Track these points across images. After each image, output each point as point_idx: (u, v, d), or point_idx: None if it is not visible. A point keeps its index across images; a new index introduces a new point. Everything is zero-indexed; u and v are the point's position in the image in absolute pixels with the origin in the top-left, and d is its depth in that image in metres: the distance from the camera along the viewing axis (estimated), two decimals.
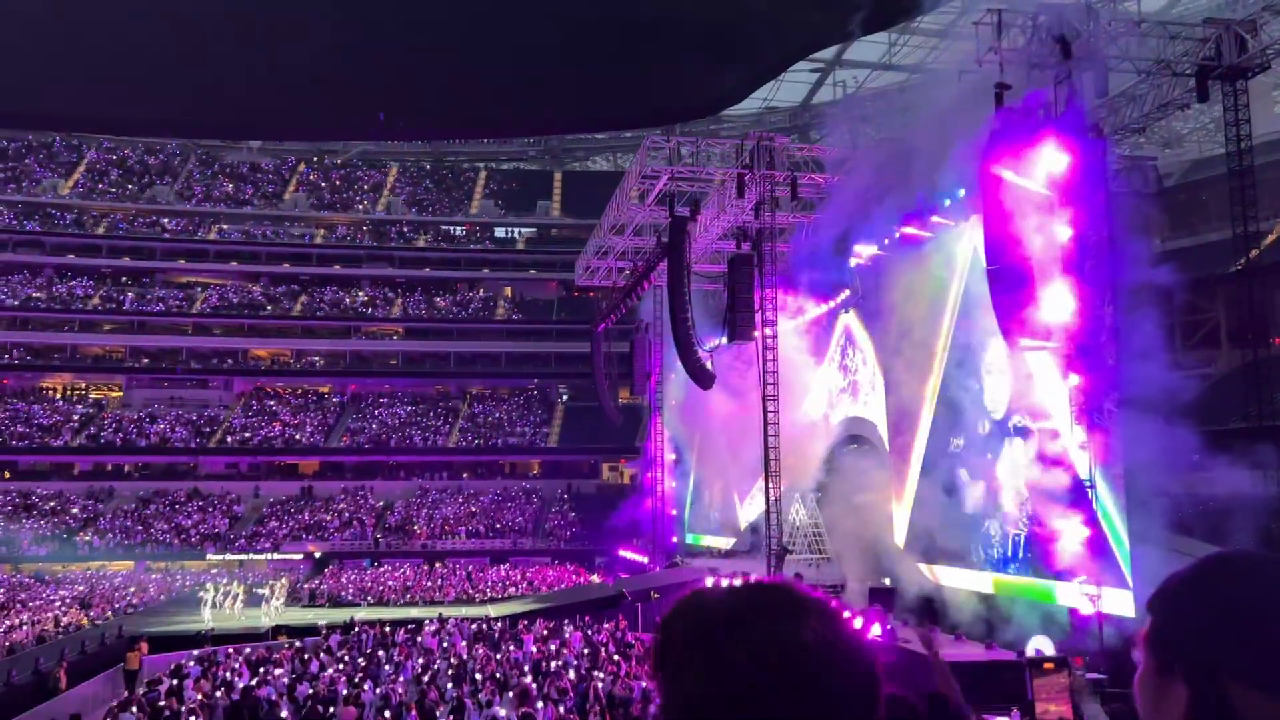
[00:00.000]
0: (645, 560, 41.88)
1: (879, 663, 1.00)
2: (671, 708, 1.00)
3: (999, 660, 16.71)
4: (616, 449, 58.96)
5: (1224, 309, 32.84)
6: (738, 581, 1.12)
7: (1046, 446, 19.87)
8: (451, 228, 71.13)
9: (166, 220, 67.47)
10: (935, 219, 24.08)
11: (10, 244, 63.86)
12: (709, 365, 30.58)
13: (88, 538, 52.20)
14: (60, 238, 64.81)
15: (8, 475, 56.72)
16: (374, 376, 66.01)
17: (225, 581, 39.66)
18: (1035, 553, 20.37)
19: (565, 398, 65.56)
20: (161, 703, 16.04)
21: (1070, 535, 18.27)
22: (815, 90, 59.71)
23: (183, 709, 15.30)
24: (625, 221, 36.16)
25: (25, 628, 30.09)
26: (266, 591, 36.11)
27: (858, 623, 15.99)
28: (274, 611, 34.15)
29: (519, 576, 44.68)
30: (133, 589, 41.66)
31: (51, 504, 54.69)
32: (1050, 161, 18.50)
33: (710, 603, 1.04)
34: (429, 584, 42.79)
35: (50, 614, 33.47)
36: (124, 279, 65.38)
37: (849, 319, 30.82)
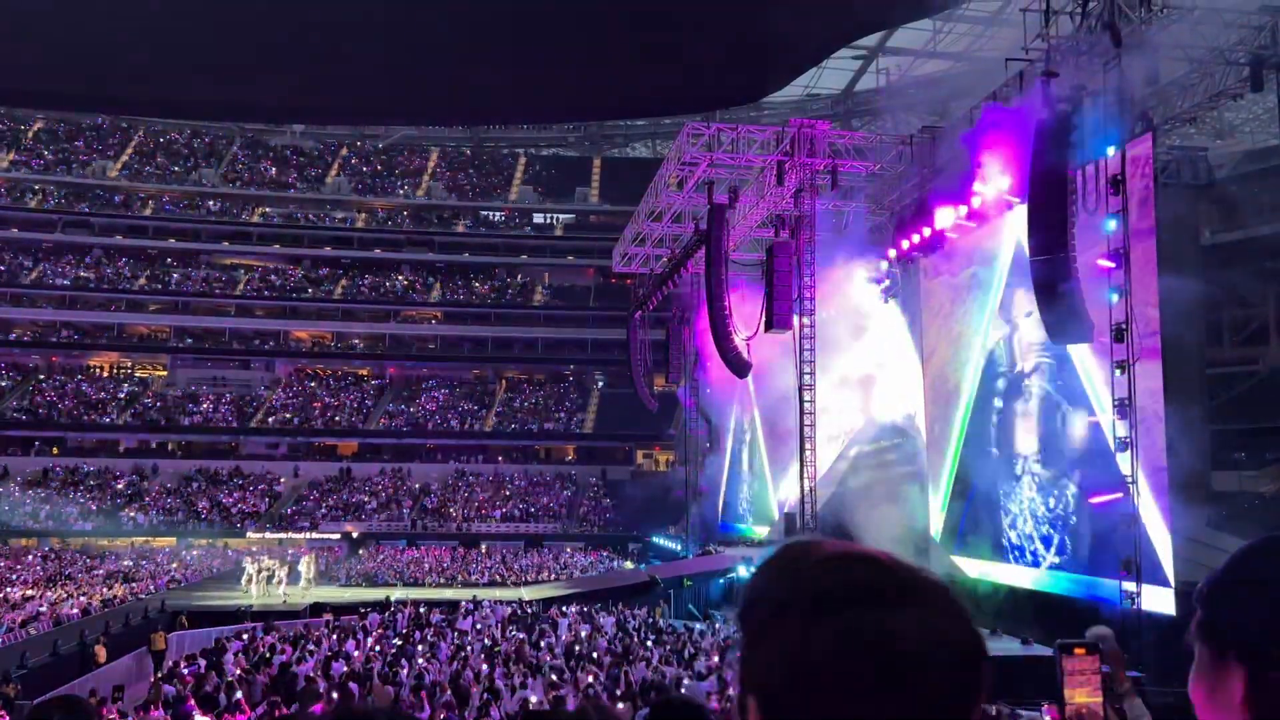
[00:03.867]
0: (678, 547, 41.96)
1: (984, 655, 0.90)
2: (745, 680, 0.92)
3: (1035, 656, 16.56)
4: (651, 436, 59.05)
5: (1274, 304, 32.15)
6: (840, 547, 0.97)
7: (1088, 441, 19.61)
8: (490, 213, 71.41)
9: (211, 203, 68.41)
10: (978, 208, 23.76)
11: (60, 224, 65.10)
12: (745, 353, 30.48)
13: (132, 513, 53.27)
14: (108, 219, 65.91)
15: (55, 451, 58.04)
16: (412, 360, 66.57)
17: (266, 559, 40.32)
18: (1074, 548, 20.13)
19: (601, 384, 65.69)
20: (201, 674, 16.36)
21: (1109, 531, 18.02)
22: (858, 77, 59.09)
23: (222, 683, 15.58)
24: (663, 208, 36.07)
25: (71, 600, 30.81)
26: (302, 568, 36.74)
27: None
28: (303, 588, 34.75)
29: (553, 561, 44.95)
30: (175, 565, 42.50)
31: (97, 480, 55.87)
32: (1098, 152, 18.17)
33: (803, 569, 0.92)
34: (464, 566, 43.18)
35: (95, 588, 34.24)
36: (169, 260, 66.42)
37: (889, 309, 30.57)
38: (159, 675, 17.90)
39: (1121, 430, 17.71)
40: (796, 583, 0.91)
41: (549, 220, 71.33)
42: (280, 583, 35.18)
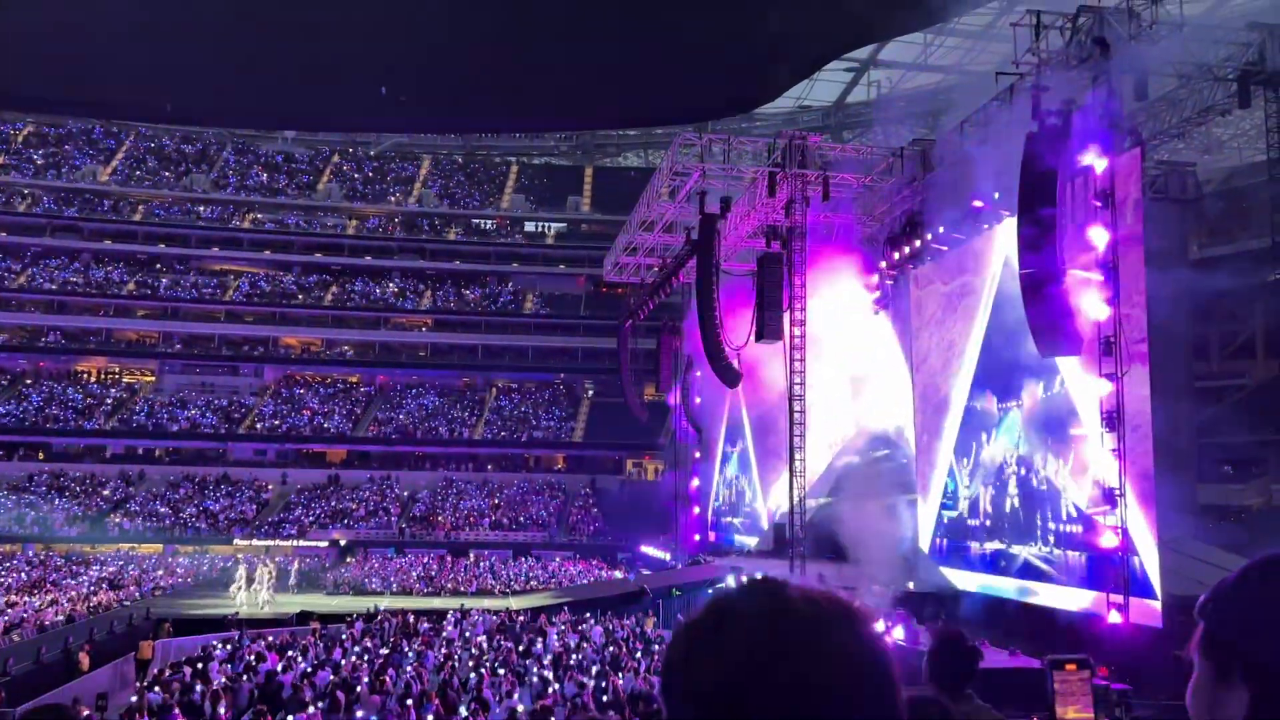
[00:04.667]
0: (667, 557, 41.90)
1: (874, 669, 0.92)
2: (670, 711, 0.99)
3: (1022, 667, 16.57)
4: (641, 445, 59.00)
5: (1261, 319, 32.36)
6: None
7: (1076, 453, 19.67)
8: (482, 221, 71.43)
9: (202, 208, 68.25)
10: (968, 220, 23.86)
11: (49, 229, 64.84)
12: (735, 364, 30.47)
13: (118, 520, 52.95)
14: (98, 224, 65.71)
15: (42, 456, 57.66)
16: (402, 367, 66.44)
17: (256, 566, 40.07)
18: (1061, 560, 20.17)
19: (591, 393, 65.65)
20: (187, 682, 16.25)
21: (1097, 544, 18.07)
22: (849, 90, 59.37)
23: (207, 691, 15.47)
24: (655, 218, 36.06)
25: (56, 607, 30.58)
26: (272, 572, 36.64)
27: (879, 625, 15.82)
28: (268, 594, 34.61)
29: (541, 570, 44.82)
30: (161, 571, 42.24)
31: (83, 485, 55.50)
32: (1087, 166, 18.27)
33: (713, 603, 1.01)
34: (452, 575, 43.02)
35: (80, 594, 33.99)
36: (159, 265, 66.21)
37: (880, 320, 30.64)
38: (143, 683, 17.77)
39: (1109, 442, 17.77)
40: (703, 616, 1.00)
41: (540, 229, 71.38)
42: (265, 588, 35.04)
